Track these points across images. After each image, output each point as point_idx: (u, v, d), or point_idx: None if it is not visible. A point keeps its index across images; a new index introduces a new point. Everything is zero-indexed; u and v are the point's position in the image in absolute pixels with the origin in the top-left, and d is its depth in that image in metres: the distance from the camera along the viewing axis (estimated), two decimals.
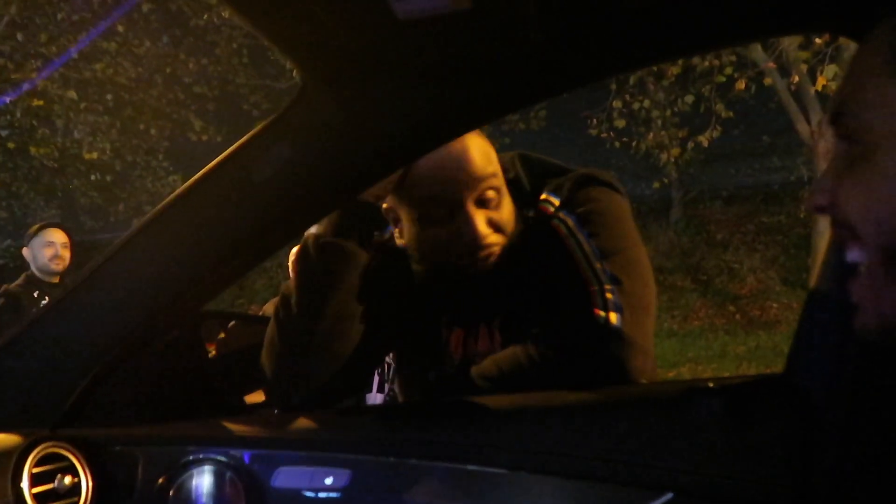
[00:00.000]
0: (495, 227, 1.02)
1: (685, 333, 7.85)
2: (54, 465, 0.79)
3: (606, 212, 1.04)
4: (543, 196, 1.07)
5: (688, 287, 8.90)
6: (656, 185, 8.88)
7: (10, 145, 9.42)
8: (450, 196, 0.99)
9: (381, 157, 0.73)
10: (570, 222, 1.03)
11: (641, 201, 10.38)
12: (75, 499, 0.79)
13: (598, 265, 0.99)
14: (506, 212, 1.03)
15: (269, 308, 3.85)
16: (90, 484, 0.80)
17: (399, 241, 1.06)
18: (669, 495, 0.77)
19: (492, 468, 0.78)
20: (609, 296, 0.97)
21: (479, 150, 1.00)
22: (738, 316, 8.12)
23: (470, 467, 0.80)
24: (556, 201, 1.06)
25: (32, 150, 9.37)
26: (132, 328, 0.82)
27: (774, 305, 8.04)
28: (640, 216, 10.39)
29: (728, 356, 6.87)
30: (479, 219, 1.00)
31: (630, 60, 0.70)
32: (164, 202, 0.79)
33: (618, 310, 0.96)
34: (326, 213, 0.81)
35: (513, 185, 1.09)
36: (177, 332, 0.93)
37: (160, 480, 0.82)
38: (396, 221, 1.06)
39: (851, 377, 0.76)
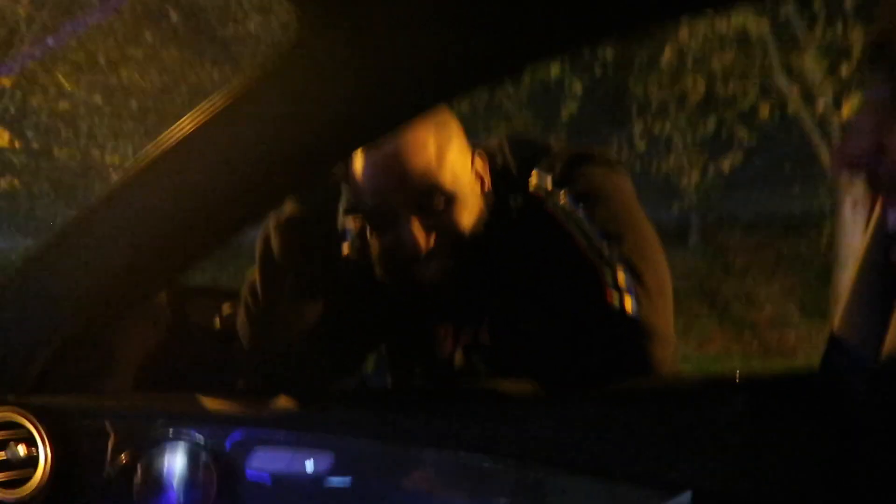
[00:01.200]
0: (444, 232, 0.93)
1: (701, 359, 7.70)
2: (12, 433, 0.73)
3: (606, 189, 0.96)
4: (534, 179, 0.99)
5: (704, 313, 8.75)
6: (675, 207, 8.78)
7: (35, 146, 9.54)
8: (384, 205, 0.91)
9: (386, 112, 0.67)
10: (566, 203, 0.95)
11: (659, 226, 10.21)
12: (32, 470, 0.73)
13: (603, 247, 0.91)
14: (465, 212, 0.94)
15: None
16: (48, 454, 0.73)
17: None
18: (688, 494, 0.70)
19: (479, 458, 0.71)
20: (621, 279, 0.89)
21: (417, 149, 0.91)
22: (755, 343, 7.96)
23: (461, 456, 0.73)
24: (549, 183, 0.98)
25: (56, 151, 9.49)
26: (101, 294, 0.76)
27: (792, 334, 7.87)
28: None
29: None
30: (419, 227, 0.91)
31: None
32: (138, 162, 0.73)
33: (632, 293, 0.88)
34: (322, 175, 0.75)
35: (500, 171, 1.02)
36: (161, 303, 0.87)
37: (126, 454, 0.76)
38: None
39: (894, 373, 0.68)
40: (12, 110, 9.21)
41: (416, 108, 0.73)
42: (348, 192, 0.96)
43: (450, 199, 0.93)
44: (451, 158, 0.93)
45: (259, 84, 0.67)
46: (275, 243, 0.89)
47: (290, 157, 0.70)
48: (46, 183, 10.28)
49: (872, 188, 0.47)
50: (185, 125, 0.73)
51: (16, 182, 9.67)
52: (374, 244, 0.97)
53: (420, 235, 0.91)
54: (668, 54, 6.57)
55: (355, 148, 0.75)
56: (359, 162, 0.90)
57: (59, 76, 8.69)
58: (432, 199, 0.92)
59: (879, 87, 0.45)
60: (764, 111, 6.76)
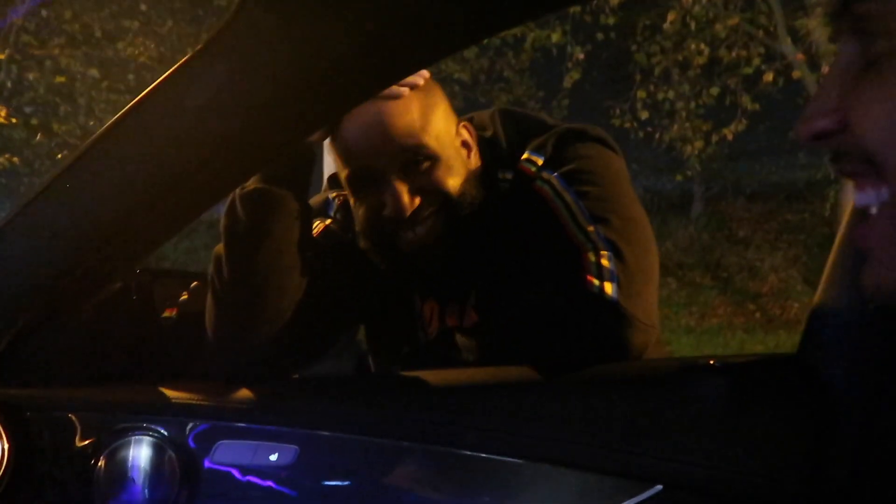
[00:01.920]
0: (428, 195, 0.92)
1: (703, 331, 7.69)
2: None
3: (597, 169, 0.93)
4: (525, 156, 0.96)
5: (707, 284, 8.73)
6: (678, 177, 8.70)
7: (34, 121, 9.50)
8: (368, 167, 0.91)
9: (333, 86, 0.64)
10: (555, 182, 0.92)
11: (662, 195, 10.18)
12: None
13: (590, 229, 0.88)
14: (450, 177, 0.93)
15: None
16: (6, 447, 0.72)
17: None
18: (658, 488, 0.68)
19: (449, 448, 0.69)
20: (605, 263, 0.86)
21: (400, 110, 0.90)
22: (757, 314, 7.94)
23: (430, 447, 0.71)
24: (540, 160, 0.95)
25: (55, 127, 9.45)
26: (55, 279, 0.73)
27: (795, 305, 7.84)
28: (660, 211, 10.21)
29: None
30: (403, 188, 0.90)
31: None
32: (90, 139, 0.70)
33: (613, 279, 0.85)
34: (273, 150, 0.72)
35: (489, 144, 0.99)
36: (120, 288, 0.85)
37: (88, 447, 0.74)
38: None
39: (874, 356, 0.65)
40: (9, 84, 9.14)
41: (377, 78, 0.69)
42: (332, 158, 0.95)
43: (434, 162, 0.91)
44: (436, 122, 0.92)
45: (201, 57, 0.64)
46: (241, 212, 0.87)
47: (241, 131, 0.67)
48: (47, 159, 10.27)
49: (835, 166, 0.43)
50: (136, 100, 0.69)
51: (15, 159, 9.65)
52: (357, 210, 0.96)
53: (404, 197, 0.89)
54: (671, 19, 6.44)
55: (306, 122, 0.71)
56: (342, 125, 0.89)
57: (56, 50, 8.61)
58: (416, 159, 0.90)
59: (845, 50, 0.40)
60: (768, 77, 6.64)
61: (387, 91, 0.87)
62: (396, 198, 0.90)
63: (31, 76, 9.07)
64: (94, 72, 8.93)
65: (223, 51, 0.62)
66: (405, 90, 0.89)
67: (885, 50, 0.37)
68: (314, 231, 0.99)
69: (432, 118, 0.92)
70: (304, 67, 0.62)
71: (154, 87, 0.66)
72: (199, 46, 0.64)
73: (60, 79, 8.93)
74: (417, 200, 0.92)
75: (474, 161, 0.98)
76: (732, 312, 8.13)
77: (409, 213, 0.91)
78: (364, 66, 0.63)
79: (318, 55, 0.61)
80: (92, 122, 9.49)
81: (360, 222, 0.96)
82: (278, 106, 0.64)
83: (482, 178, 0.97)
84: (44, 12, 8.70)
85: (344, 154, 0.92)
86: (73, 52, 8.91)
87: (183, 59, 0.64)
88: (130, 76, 9.28)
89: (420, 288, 1.06)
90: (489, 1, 0.56)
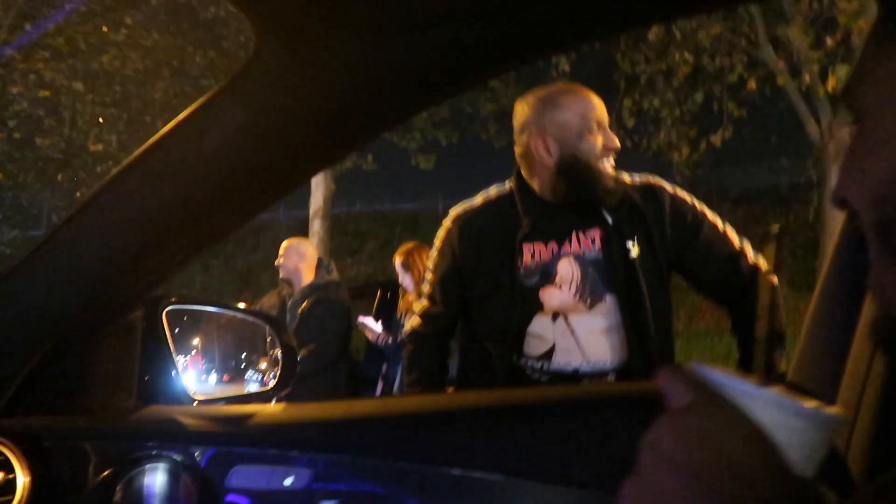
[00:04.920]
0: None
1: (690, 335, 7.75)
2: None
3: None
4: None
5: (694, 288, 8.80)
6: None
7: (17, 136, 9.43)
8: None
9: (344, 125, 0.66)
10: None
11: None
12: (9, 497, 0.73)
13: None
14: None
15: (265, 301, 3.79)
16: (26, 480, 0.73)
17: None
18: None
19: (463, 470, 0.71)
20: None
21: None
22: None
23: (440, 469, 0.73)
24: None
25: (38, 140, 9.39)
26: (75, 310, 0.75)
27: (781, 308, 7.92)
28: None
29: (733, 358, 6.74)
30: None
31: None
32: (108, 176, 0.72)
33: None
34: (288, 188, 0.75)
35: None
36: (133, 318, 0.86)
37: (106, 475, 0.76)
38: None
39: (861, 382, 0.68)
40: None
41: (382, 119, 0.72)
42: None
43: None
44: None
45: (220, 97, 0.66)
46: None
47: (257, 168, 0.69)
48: (31, 173, 10.18)
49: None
50: (154, 139, 0.72)
51: None
52: None
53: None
54: (655, 28, 6.52)
55: (318, 158, 0.74)
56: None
57: (40, 63, 8.55)
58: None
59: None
60: (752, 85, 6.74)
61: None
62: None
63: (14, 90, 9.01)
64: (78, 85, 8.88)
65: (240, 93, 0.64)
66: None
67: (860, 129, 0.43)
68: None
69: None
70: (317, 108, 0.64)
71: (172, 126, 0.68)
72: (216, 89, 0.66)
73: (45, 92, 8.88)
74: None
75: None
76: (719, 316, 8.18)
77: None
78: (373, 106, 0.65)
79: (331, 95, 0.63)
80: (76, 136, 9.44)
81: None
82: (293, 144, 0.66)
83: None
84: (28, 26, 8.65)
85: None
86: (58, 65, 8.86)
87: (201, 100, 0.67)
88: (116, 88, 9.24)
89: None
90: (495, 49, 0.59)
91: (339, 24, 0.60)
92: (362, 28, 0.60)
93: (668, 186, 1.54)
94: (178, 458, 0.76)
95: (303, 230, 8.76)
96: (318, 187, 8.90)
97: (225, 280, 11.59)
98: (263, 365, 1.23)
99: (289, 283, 3.42)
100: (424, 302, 1.62)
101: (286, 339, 1.02)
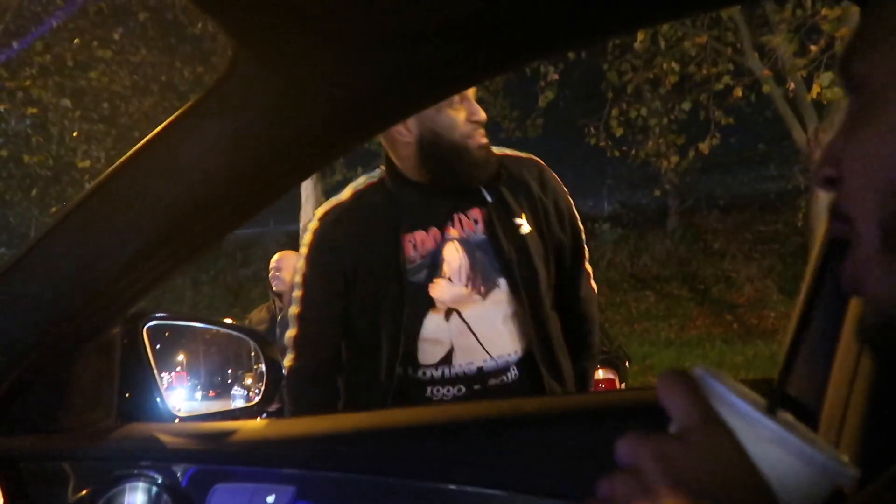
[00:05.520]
0: None
1: (682, 343, 7.77)
2: None
3: None
4: None
5: (685, 296, 8.84)
6: (657, 192, 8.84)
7: (4, 153, 9.39)
8: None
9: (321, 137, 0.66)
10: None
11: (638, 210, 10.32)
12: None
13: None
14: None
15: (254, 315, 3.76)
16: (1, 503, 0.71)
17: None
18: None
19: (444, 484, 0.70)
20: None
21: None
22: (735, 325, 8.04)
23: (428, 485, 0.72)
24: None
25: (26, 158, 9.35)
26: (53, 329, 0.74)
27: (772, 314, 7.96)
28: (637, 225, 10.35)
29: (726, 365, 6.79)
30: None
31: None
32: (83, 192, 0.71)
33: None
34: (267, 199, 0.74)
35: None
36: (113, 334, 0.85)
37: (83, 495, 0.74)
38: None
39: (848, 383, 0.68)
40: None
41: (358, 130, 0.72)
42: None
43: None
44: None
45: (197, 109, 0.65)
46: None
47: (236, 180, 0.68)
48: (18, 191, 10.13)
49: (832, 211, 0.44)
50: (130, 153, 0.71)
51: None
52: None
53: None
54: (640, 38, 6.57)
55: (297, 170, 0.73)
56: None
57: (27, 81, 8.53)
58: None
59: (849, 103, 0.42)
60: (738, 93, 6.80)
61: None
62: None
63: (1, 108, 8.98)
64: (66, 102, 8.85)
65: (217, 104, 0.64)
66: None
67: (866, 103, 0.39)
68: None
69: None
70: (293, 119, 0.64)
71: (149, 140, 0.68)
72: (192, 101, 0.66)
73: (32, 110, 8.85)
74: None
75: None
76: (711, 323, 8.22)
77: None
78: (352, 117, 0.65)
79: (308, 107, 0.63)
80: (64, 153, 9.40)
81: None
82: (270, 155, 0.66)
83: None
84: (15, 43, 8.63)
85: None
86: (45, 82, 8.84)
87: (177, 113, 0.66)
88: (104, 105, 9.22)
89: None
90: (473, 59, 0.59)
91: (315, 36, 0.60)
92: (338, 40, 0.59)
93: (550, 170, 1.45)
94: (157, 477, 0.75)
95: (293, 244, 8.73)
96: (308, 200, 8.88)
97: (215, 295, 11.53)
98: (248, 380, 1.21)
99: (280, 296, 3.40)
100: (293, 330, 1.37)
101: (270, 353, 1.01)
